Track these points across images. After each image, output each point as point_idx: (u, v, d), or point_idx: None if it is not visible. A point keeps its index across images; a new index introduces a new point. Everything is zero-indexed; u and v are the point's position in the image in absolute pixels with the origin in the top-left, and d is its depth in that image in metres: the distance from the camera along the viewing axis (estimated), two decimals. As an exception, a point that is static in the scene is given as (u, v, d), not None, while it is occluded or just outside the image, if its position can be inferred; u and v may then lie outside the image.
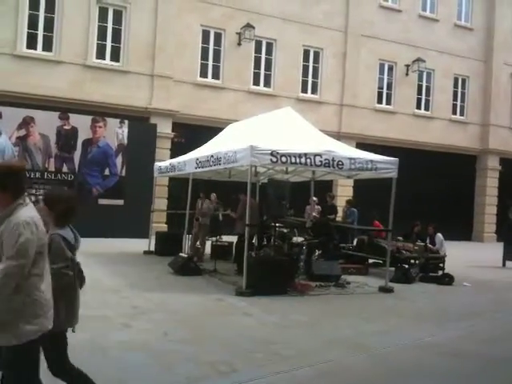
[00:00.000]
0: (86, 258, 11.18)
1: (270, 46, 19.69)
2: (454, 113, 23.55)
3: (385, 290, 9.33)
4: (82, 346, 5.14)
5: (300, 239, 11.21)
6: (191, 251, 11.77)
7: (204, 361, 4.94)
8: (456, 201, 22.33)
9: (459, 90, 23.66)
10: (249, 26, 18.42)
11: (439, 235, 11.96)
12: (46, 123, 15.54)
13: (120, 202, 16.20)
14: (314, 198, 13.31)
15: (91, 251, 12.41)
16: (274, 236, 10.32)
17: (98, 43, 16.92)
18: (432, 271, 11.31)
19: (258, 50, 19.51)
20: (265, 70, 19.68)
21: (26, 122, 15.38)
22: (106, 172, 16.35)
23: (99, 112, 16.42)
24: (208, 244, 12.19)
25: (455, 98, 23.58)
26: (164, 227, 16.34)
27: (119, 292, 7.94)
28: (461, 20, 23.58)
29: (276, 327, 6.43)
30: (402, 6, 22.07)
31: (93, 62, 16.72)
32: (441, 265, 11.56)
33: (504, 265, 14.46)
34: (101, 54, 16.98)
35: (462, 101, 23.75)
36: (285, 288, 8.46)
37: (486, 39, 23.91)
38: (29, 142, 15.45)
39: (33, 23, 16.19)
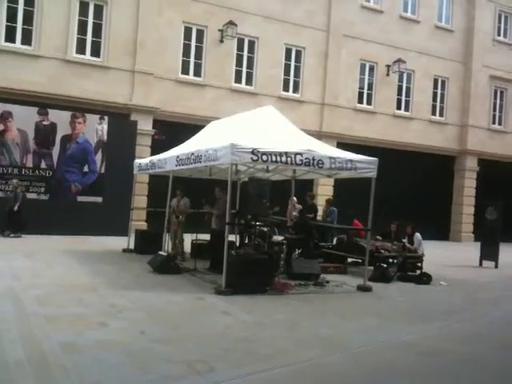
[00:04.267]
0: (64, 256, 11.12)
1: (252, 44, 19.66)
2: (434, 114, 23.79)
3: (363, 288, 9.39)
4: (57, 345, 5.08)
5: (280, 238, 11.21)
6: (172, 250, 11.70)
7: (181, 360, 4.90)
8: (434, 201, 22.58)
9: (439, 91, 23.90)
10: (231, 23, 18.38)
11: (417, 235, 12.06)
12: (25, 118, 15.32)
13: (99, 199, 16.03)
14: (294, 198, 13.32)
15: (69, 249, 12.32)
16: (254, 234, 10.31)
17: (78, 38, 16.73)
18: (410, 270, 11.41)
19: (240, 47, 19.47)
20: (247, 67, 19.65)
21: (4, 117, 15.16)
22: (85, 169, 16.16)
23: (79, 108, 16.25)
24: (188, 242, 12.13)
25: (435, 99, 23.82)
26: (144, 225, 16.22)
27: (97, 290, 7.85)
28: (441, 21, 23.83)
29: (255, 326, 6.42)
30: (384, 7, 22.22)
31: (73, 57, 16.53)
32: (419, 264, 11.66)
33: (481, 264, 14.65)
34: (81, 49, 16.80)
35: (442, 102, 24.00)
36: (264, 287, 8.45)
37: (466, 41, 24.21)
38: (6, 137, 15.23)
39: (11, 16, 15.94)
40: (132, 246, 12.83)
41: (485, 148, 24.28)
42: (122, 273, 9.71)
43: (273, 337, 5.96)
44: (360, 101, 22.01)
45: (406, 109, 23.08)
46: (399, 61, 21.83)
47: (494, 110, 25.28)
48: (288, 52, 20.42)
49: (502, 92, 25.42)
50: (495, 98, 25.28)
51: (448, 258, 15.92)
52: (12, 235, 14.13)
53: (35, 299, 6.95)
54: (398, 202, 19.84)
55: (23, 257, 10.66)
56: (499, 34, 25.25)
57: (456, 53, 24.02)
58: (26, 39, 16.10)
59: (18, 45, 15.99)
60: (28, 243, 12.74)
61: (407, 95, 23.09)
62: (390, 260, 11.55)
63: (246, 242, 10.89)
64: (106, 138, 16.36)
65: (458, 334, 6.83)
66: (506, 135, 25.36)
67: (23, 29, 16.07)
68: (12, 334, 5.36)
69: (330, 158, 9.09)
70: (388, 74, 22.22)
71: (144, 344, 5.36)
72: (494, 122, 25.24)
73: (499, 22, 25.25)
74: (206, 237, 11.90)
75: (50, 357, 4.76)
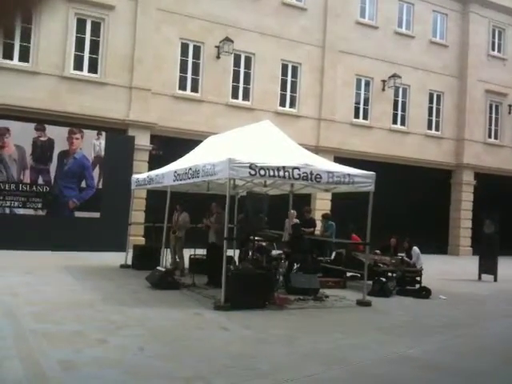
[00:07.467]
0: (62, 272, 11.06)
1: (248, 59, 19.79)
2: (430, 128, 23.91)
3: (362, 303, 9.35)
4: (56, 362, 5.03)
5: (279, 252, 11.18)
6: (172, 265, 11.65)
7: (180, 376, 4.86)
8: (432, 215, 22.58)
9: (434, 105, 24.04)
10: (228, 39, 18.50)
11: (415, 248, 12.05)
12: (22, 134, 15.33)
13: (97, 214, 15.99)
14: (293, 211, 13.30)
15: (67, 265, 12.25)
16: (252, 249, 10.28)
17: (75, 54, 16.82)
18: (409, 284, 11.38)
19: (236, 63, 19.58)
20: (243, 83, 19.75)
21: (1, 133, 15.16)
22: (83, 184, 16.14)
23: (76, 123, 16.27)
24: (186, 257, 12.08)
25: (430, 114, 23.94)
26: (142, 240, 16.16)
27: (95, 307, 7.80)
28: (436, 37, 24.06)
29: (254, 341, 6.38)
30: (378, 23, 22.43)
31: (70, 74, 16.60)
32: (417, 278, 11.64)
33: (480, 278, 14.63)
34: (78, 66, 16.88)
35: (437, 116, 24.13)
36: (263, 302, 8.42)
37: (461, 56, 24.43)
38: (4, 153, 15.22)
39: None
40: (130, 262, 12.75)
41: (481, 162, 24.36)
42: (120, 289, 9.65)
43: (272, 352, 5.92)
44: (356, 115, 22.11)
45: (402, 123, 23.18)
46: (395, 76, 21.98)
47: (490, 123, 25.41)
48: (284, 68, 20.55)
49: (497, 106, 25.58)
50: (490, 112, 25.42)
51: (447, 271, 15.90)
52: None
53: (33, 316, 6.90)
54: (395, 216, 19.84)
55: (20, 273, 10.59)
56: (493, 49, 25.49)
57: (451, 67, 24.22)
58: (24, 56, 16.16)
59: (15, 62, 16.05)
60: (25, 259, 12.67)
61: (403, 110, 23.21)
62: (389, 274, 11.53)
63: (244, 256, 10.85)
64: (103, 153, 16.36)
65: (459, 349, 6.80)
66: (501, 149, 25.47)
67: (21, 46, 16.15)
68: (10, 351, 5.31)
69: (328, 172, 9.11)
70: (384, 89, 22.36)
71: (143, 360, 5.31)
72: (489, 136, 25.35)
73: (493, 36, 25.51)
74: (204, 251, 11.85)
75: (49, 374, 4.71)
